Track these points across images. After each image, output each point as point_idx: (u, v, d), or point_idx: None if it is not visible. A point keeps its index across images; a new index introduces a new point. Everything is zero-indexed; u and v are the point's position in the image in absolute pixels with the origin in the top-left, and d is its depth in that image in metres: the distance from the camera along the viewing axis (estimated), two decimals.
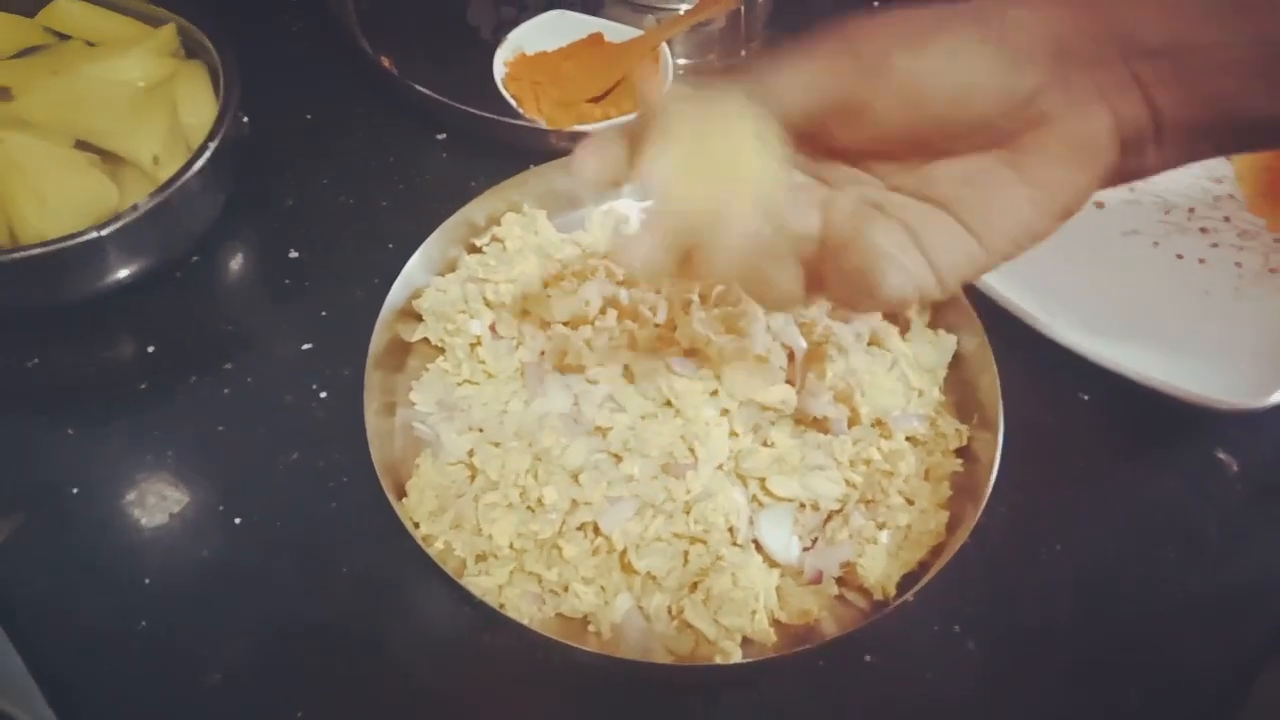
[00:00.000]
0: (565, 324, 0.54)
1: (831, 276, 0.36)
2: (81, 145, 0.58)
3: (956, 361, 0.55)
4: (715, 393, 0.50)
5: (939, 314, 0.57)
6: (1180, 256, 0.64)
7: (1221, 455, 0.57)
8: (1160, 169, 0.36)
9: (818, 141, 0.37)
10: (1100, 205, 0.66)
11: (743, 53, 0.79)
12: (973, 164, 0.35)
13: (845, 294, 0.37)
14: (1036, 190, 0.35)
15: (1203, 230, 0.66)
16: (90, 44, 0.63)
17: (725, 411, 0.50)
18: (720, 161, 0.32)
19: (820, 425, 0.51)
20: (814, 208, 0.37)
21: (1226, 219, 0.66)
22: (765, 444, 0.50)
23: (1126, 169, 0.36)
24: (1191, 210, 0.67)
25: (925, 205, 0.36)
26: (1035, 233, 0.36)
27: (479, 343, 0.54)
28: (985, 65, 0.33)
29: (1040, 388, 0.56)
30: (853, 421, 0.51)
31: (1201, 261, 0.64)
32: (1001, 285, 0.58)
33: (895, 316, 0.57)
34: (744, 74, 0.35)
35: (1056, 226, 0.36)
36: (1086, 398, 0.58)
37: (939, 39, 0.34)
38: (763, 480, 0.49)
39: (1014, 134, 0.35)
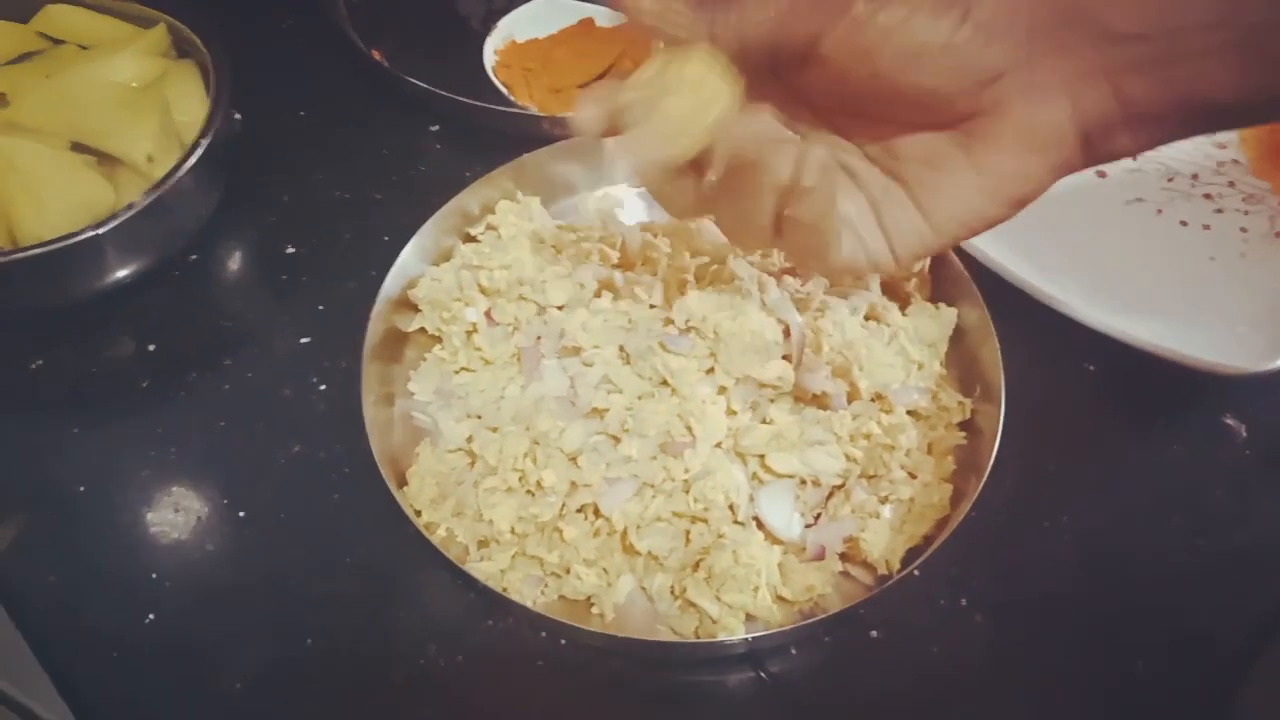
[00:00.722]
0: (560, 308, 0.54)
1: (790, 230, 0.37)
2: (77, 147, 0.58)
3: (958, 334, 0.55)
4: (711, 370, 0.50)
5: (939, 286, 0.57)
6: (1184, 223, 0.63)
7: (1229, 421, 0.56)
8: (1133, 152, 0.36)
9: (791, 93, 0.37)
10: (1103, 174, 0.66)
11: None
12: (930, 143, 0.36)
13: (798, 249, 0.38)
14: (985, 177, 0.35)
15: (1207, 196, 0.65)
16: (83, 47, 0.63)
17: (723, 389, 0.50)
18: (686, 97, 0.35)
19: (819, 401, 0.50)
20: (789, 157, 0.37)
21: (1231, 184, 0.66)
22: (764, 421, 0.49)
23: (1094, 155, 0.35)
24: (1195, 176, 0.66)
25: (888, 179, 0.37)
26: (985, 218, 0.36)
27: (475, 330, 0.54)
28: (943, 33, 0.33)
29: (1043, 358, 0.55)
30: (852, 396, 0.51)
31: (1206, 228, 0.63)
32: (1003, 256, 0.58)
33: (895, 290, 0.57)
34: (710, 5, 0.35)
35: (1009, 214, 0.36)
36: (1091, 367, 0.57)
37: (901, 1, 0.33)
38: (762, 457, 0.48)
39: (968, 115, 0.35)
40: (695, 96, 0.35)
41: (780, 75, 0.37)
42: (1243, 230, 0.63)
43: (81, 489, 0.53)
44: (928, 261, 0.56)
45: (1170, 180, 0.66)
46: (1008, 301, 0.55)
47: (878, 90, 0.35)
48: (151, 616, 0.49)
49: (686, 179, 0.38)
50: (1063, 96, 0.34)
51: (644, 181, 0.40)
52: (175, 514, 0.52)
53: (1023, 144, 0.34)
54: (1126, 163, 0.67)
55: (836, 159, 0.38)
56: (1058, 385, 0.57)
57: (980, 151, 0.35)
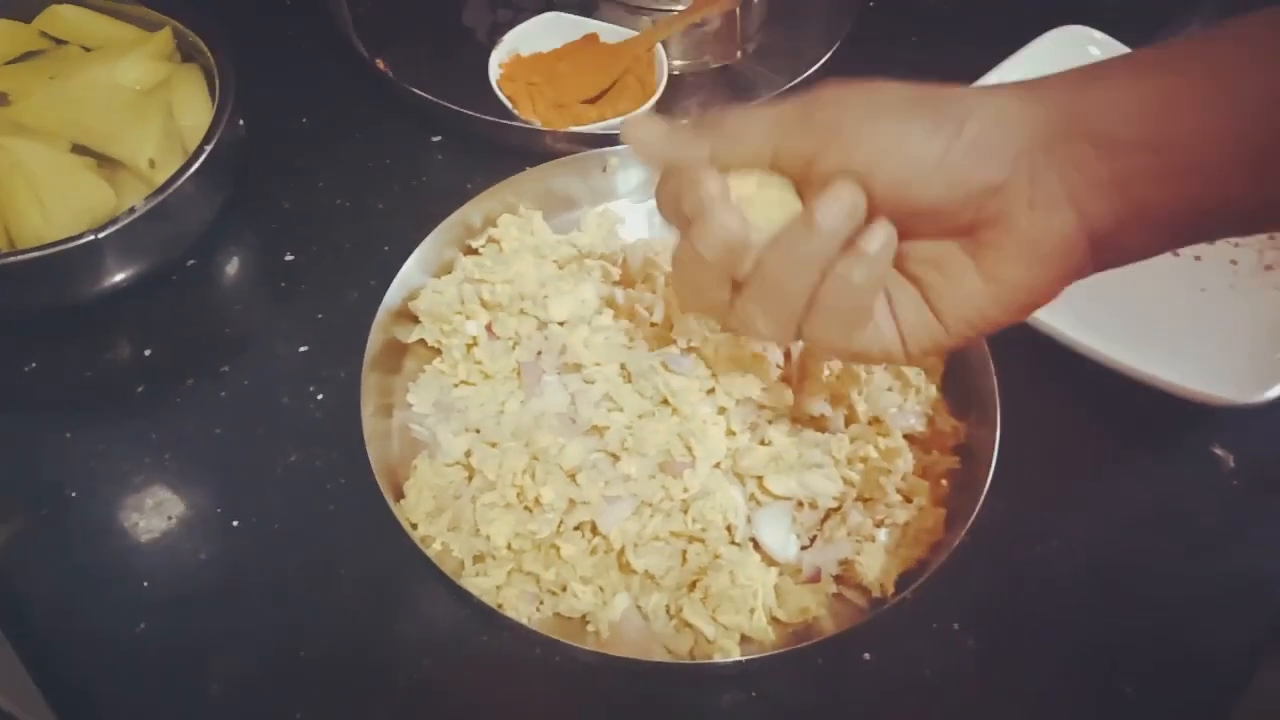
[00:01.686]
0: (561, 324, 0.54)
1: (832, 300, 0.37)
2: (78, 149, 0.58)
3: (953, 359, 0.55)
4: (712, 391, 0.50)
5: None
6: (1176, 253, 0.64)
7: (1218, 450, 0.57)
8: (1146, 255, 0.35)
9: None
10: None
11: (738, 54, 0.79)
12: (940, 249, 0.36)
13: (830, 324, 0.37)
14: (995, 285, 0.35)
15: None
16: (86, 49, 0.63)
17: (722, 410, 0.50)
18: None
19: (817, 423, 0.51)
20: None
21: None
22: (762, 442, 0.50)
23: (1104, 260, 0.35)
24: None
25: (900, 277, 0.38)
26: (994, 324, 0.37)
27: (475, 343, 0.54)
28: (933, 155, 0.33)
29: (1037, 384, 0.56)
30: (850, 419, 0.51)
31: (1197, 258, 0.64)
32: None
33: None
34: (709, 123, 0.37)
35: (1020, 319, 0.37)
36: (1083, 394, 0.58)
37: (891, 119, 0.34)
38: (760, 479, 0.49)
39: (972, 226, 0.35)
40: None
41: None
42: (1233, 262, 0.64)
43: (73, 494, 0.53)
44: None
45: None
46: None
47: (880, 207, 0.35)
48: (143, 625, 0.48)
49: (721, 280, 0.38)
50: (1068, 207, 0.33)
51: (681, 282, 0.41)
52: (169, 521, 0.52)
53: (1029, 255, 0.34)
54: None
55: None
56: (1050, 411, 0.57)
57: (988, 261, 0.35)
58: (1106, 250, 0.34)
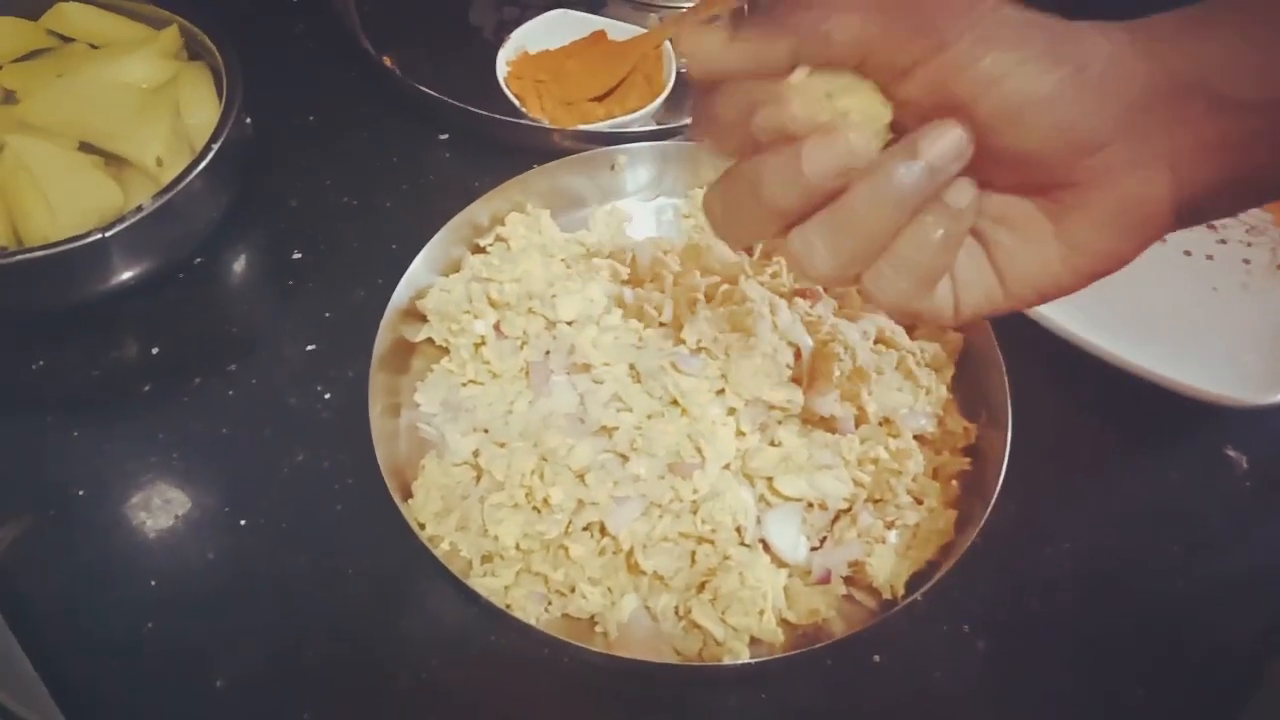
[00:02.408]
0: (570, 323, 0.54)
1: (888, 262, 0.33)
2: (85, 147, 0.58)
3: (964, 359, 0.55)
4: (722, 391, 0.50)
5: None
6: (1188, 253, 0.64)
7: (1230, 452, 0.57)
8: (1217, 217, 0.33)
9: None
10: None
11: None
12: (1015, 205, 0.33)
13: (890, 285, 0.33)
14: (1070, 250, 0.32)
15: (1210, 226, 0.65)
16: (94, 47, 0.63)
17: (732, 410, 0.50)
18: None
19: (827, 424, 0.50)
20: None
21: (1235, 215, 0.66)
22: (772, 443, 0.49)
23: (1187, 220, 0.32)
24: None
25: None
26: (1061, 289, 0.33)
27: (483, 342, 0.54)
28: (1046, 92, 0.29)
29: (1048, 384, 0.56)
30: (860, 420, 0.51)
31: (1209, 258, 0.64)
32: None
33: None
34: (784, 18, 0.31)
35: (1085, 286, 0.33)
36: (1094, 394, 0.57)
37: (1006, 41, 0.29)
38: (770, 480, 0.48)
39: (1065, 183, 0.31)
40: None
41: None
42: (1245, 261, 0.64)
43: (81, 493, 0.53)
44: None
45: None
46: (1013, 326, 0.56)
47: (975, 140, 0.31)
48: (150, 625, 0.48)
49: None
50: (1168, 172, 0.31)
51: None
52: (176, 520, 0.52)
53: (1118, 222, 0.31)
54: None
55: None
56: (1061, 412, 0.57)
57: (1071, 223, 0.32)
58: (1190, 213, 0.32)
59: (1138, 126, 0.30)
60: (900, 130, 0.31)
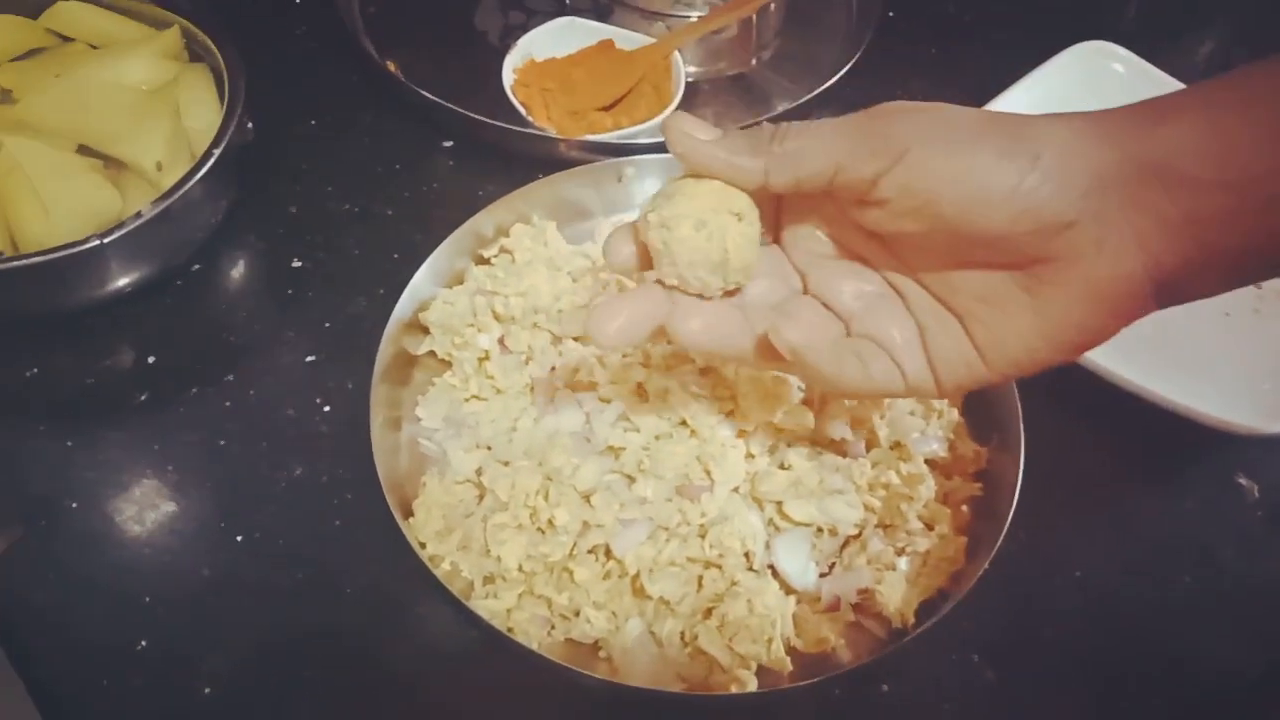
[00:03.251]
0: (576, 339, 0.53)
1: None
2: (84, 150, 0.57)
3: None
4: (732, 413, 0.49)
5: None
6: None
7: (1242, 480, 0.56)
8: (1211, 294, 0.34)
9: (847, 221, 0.37)
10: None
11: (754, 61, 0.78)
12: (992, 280, 0.34)
13: (855, 376, 0.37)
14: (1048, 324, 0.33)
15: None
16: (93, 46, 0.62)
17: (742, 433, 0.49)
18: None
19: (838, 448, 0.50)
20: (844, 278, 0.38)
21: None
22: (782, 466, 0.49)
23: (1165, 301, 0.34)
24: None
25: (942, 309, 0.36)
26: (1041, 363, 0.35)
27: (487, 357, 0.53)
28: (1006, 185, 0.31)
29: (1059, 409, 0.55)
30: (871, 444, 0.50)
31: None
32: None
33: None
34: (763, 133, 0.35)
35: (1070, 359, 0.35)
36: (1106, 420, 0.57)
37: (963, 143, 0.32)
38: (779, 504, 0.48)
39: (1033, 261, 0.33)
40: (740, 231, 0.35)
41: (838, 206, 0.36)
42: (1257, 286, 0.63)
43: (73, 505, 0.51)
44: None
45: None
46: None
47: (940, 231, 0.33)
48: (144, 643, 0.47)
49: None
50: (1139, 249, 0.32)
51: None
52: (170, 535, 0.51)
53: (1093, 296, 0.32)
54: None
55: (887, 279, 0.37)
56: (1072, 437, 0.56)
57: (1046, 298, 0.33)
58: (1170, 291, 0.33)
59: (1098, 208, 0.31)
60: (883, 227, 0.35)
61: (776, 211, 0.39)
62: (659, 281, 0.37)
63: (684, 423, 0.49)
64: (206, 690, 0.46)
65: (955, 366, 0.36)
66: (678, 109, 0.67)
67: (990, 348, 0.35)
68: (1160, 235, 0.31)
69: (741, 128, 0.36)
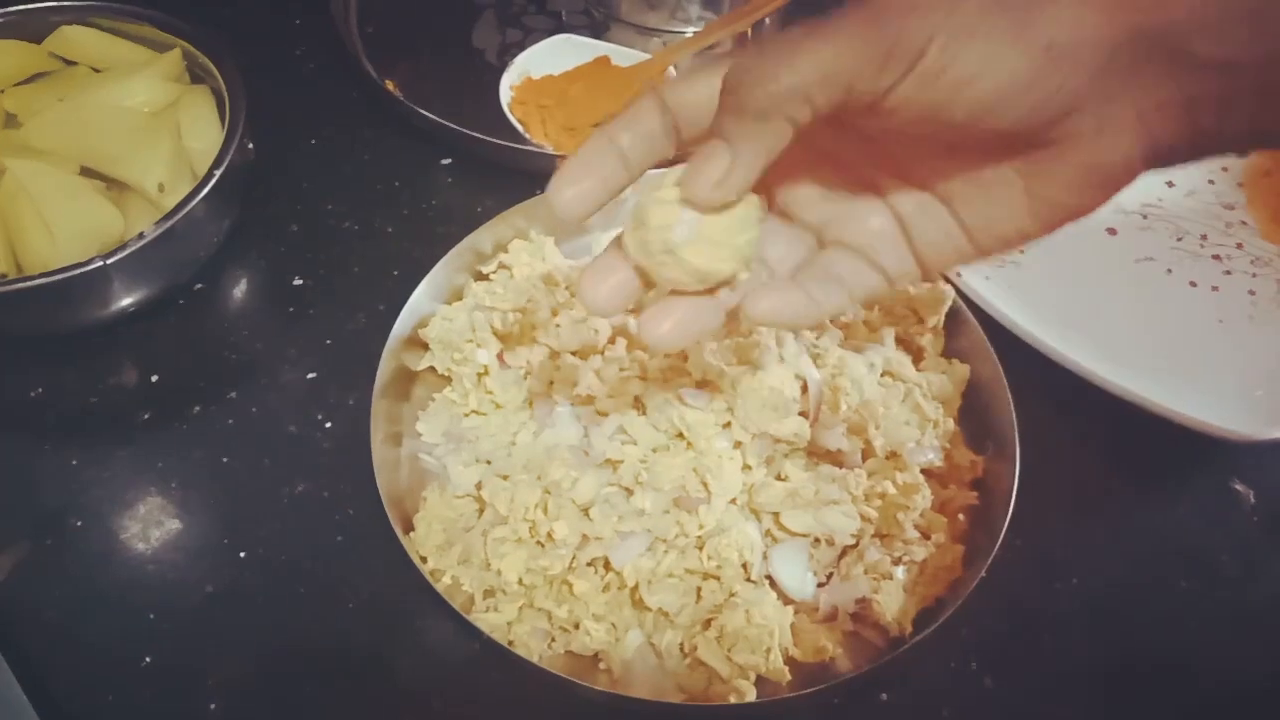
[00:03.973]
0: (574, 353, 0.53)
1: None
2: (87, 172, 0.58)
3: (970, 391, 0.55)
4: (728, 425, 0.49)
5: (953, 343, 0.57)
6: (1193, 284, 0.64)
7: (1237, 486, 0.56)
8: (1184, 163, 0.34)
9: (844, 138, 0.35)
10: (1113, 232, 0.66)
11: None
12: (988, 167, 0.34)
13: (836, 303, 0.36)
14: (1039, 204, 0.33)
15: (1215, 257, 0.65)
16: (96, 70, 0.63)
17: (738, 444, 0.49)
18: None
19: (834, 458, 0.50)
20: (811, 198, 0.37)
21: (1239, 246, 0.66)
22: (779, 477, 0.49)
23: (1155, 168, 0.33)
24: (1204, 237, 0.66)
25: (926, 196, 0.35)
26: (1027, 238, 0.35)
27: (486, 372, 0.54)
28: (1022, 77, 0.30)
29: (1055, 417, 0.55)
30: (867, 454, 0.51)
31: (1215, 289, 0.63)
32: (1015, 313, 0.58)
33: (908, 345, 0.56)
34: (756, 56, 0.31)
35: (1050, 233, 0.34)
36: (1101, 427, 0.57)
37: (978, 37, 0.30)
38: (776, 515, 0.48)
39: (1033, 148, 0.32)
40: (732, 215, 0.33)
41: (837, 124, 0.33)
42: (1251, 293, 0.64)
43: (78, 522, 0.52)
44: (942, 316, 0.56)
45: (1179, 240, 0.66)
46: (1019, 358, 0.55)
47: (945, 135, 0.32)
48: (148, 659, 0.48)
49: None
50: (1133, 131, 0.31)
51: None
52: (174, 551, 0.51)
53: (1086, 179, 0.32)
54: (1137, 220, 0.67)
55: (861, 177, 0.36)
56: (1068, 445, 0.56)
57: (1040, 181, 0.33)
58: (1158, 163, 0.33)
59: (1103, 92, 0.31)
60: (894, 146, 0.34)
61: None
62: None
63: (680, 435, 0.49)
64: (210, 703, 0.46)
65: (942, 249, 0.35)
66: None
67: (979, 229, 0.35)
68: (1159, 117, 0.31)
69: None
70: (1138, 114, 0.31)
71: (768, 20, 0.78)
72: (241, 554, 0.51)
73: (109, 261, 0.52)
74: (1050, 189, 0.33)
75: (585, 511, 0.48)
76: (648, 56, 0.72)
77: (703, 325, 0.36)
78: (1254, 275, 0.64)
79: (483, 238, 0.58)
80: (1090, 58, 0.30)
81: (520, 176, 0.66)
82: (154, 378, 0.57)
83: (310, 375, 0.58)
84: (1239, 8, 0.30)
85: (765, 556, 0.48)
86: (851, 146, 0.36)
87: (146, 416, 0.56)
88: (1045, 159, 0.32)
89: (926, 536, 0.49)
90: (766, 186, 0.37)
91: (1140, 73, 0.31)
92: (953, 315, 0.56)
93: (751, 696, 0.45)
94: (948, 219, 0.35)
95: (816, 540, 0.48)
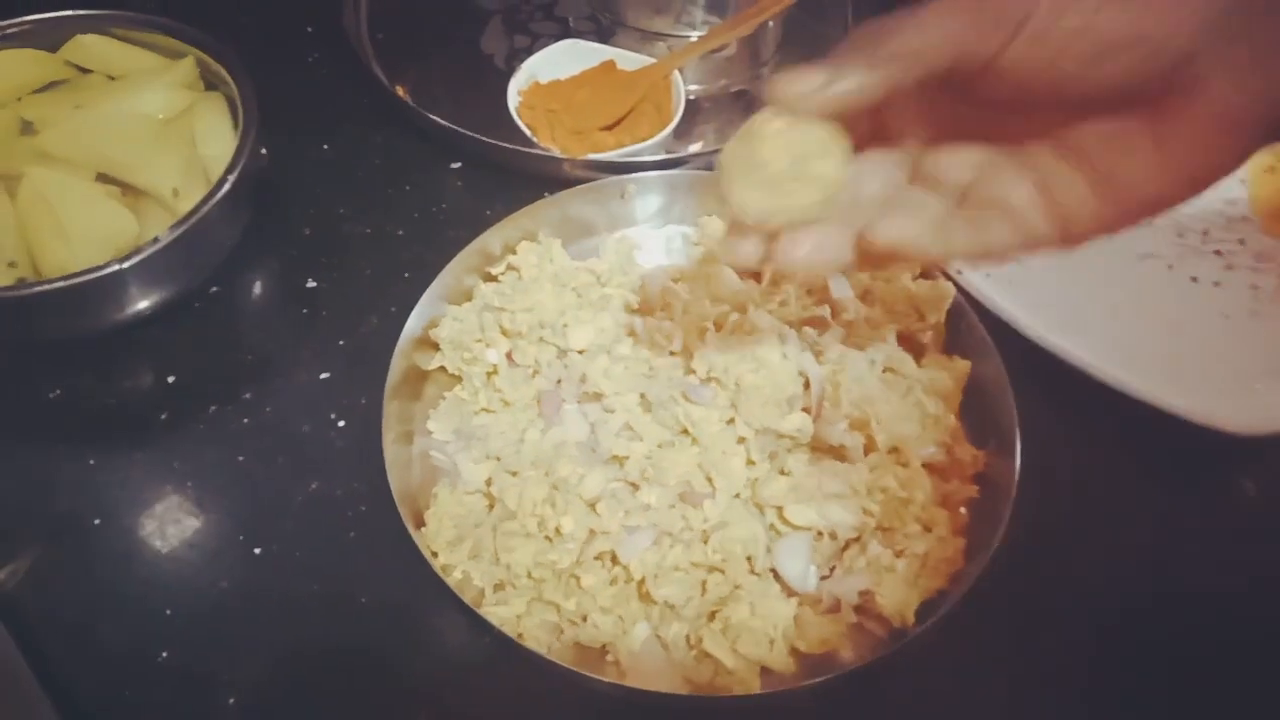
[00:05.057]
0: (581, 352, 0.54)
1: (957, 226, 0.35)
2: (102, 178, 0.59)
3: (972, 386, 0.55)
4: (732, 421, 0.50)
5: (954, 338, 0.57)
6: (1195, 280, 0.64)
7: (1239, 480, 0.57)
8: None
9: (958, 104, 0.36)
10: None
11: (755, 79, 0.79)
12: (1110, 125, 0.33)
13: (968, 244, 0.36)
14: (1173, 159, 0.32)
15: (1217, 253, 0.66)
16: (111, 78, 0.64)
17: (742, 439, 0.50)
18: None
19: (837, 453, 0.51)
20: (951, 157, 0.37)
21: (1241, 241, 0.66)
22: (782, 472, 0.50)
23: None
24: (1206, 233, 0.67)
25: (1060, 162, 0.34)
26: (1167, 200, 0.33)
27: (496, 371, 0.55)
28: (1130, 27, 0.30)
29: (1057, 412, 0.56)
30: (869, 449, 0.51)
31: (1217, 285, 0.64)
32: (1017, 309, 0.58)
33: (910, 342, 0.57)
34: (864, 43, 0.33)
35: (1193, 195, 0.33)
36: (1103, 422, 0.57)
37: None
38: (780, 509, 0.49)
39: (1156, 98, 0.32)
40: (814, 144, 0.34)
41: (950, 90, 0.35)
42: (1254, 288, 0.64)
43: (96, 521, 0.53)
44: (944, 313, 0.57)
45: (1181, 236, 0.67)
46: (1021, 353, 0.56)
47: (1062, 91, 0.32)
48: (165, 654, 0.49)
49: None
50: (1260, 76, 0.30)
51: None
52: (190, 549, 0.52)
53: (1216, 125, 0.31)
54: None
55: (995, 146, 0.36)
56: (1070, 439, 0.57)
57: (1169, 133, 0.32)
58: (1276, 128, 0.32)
59: (1217, 34, 0.30)
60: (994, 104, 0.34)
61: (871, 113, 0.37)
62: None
63: (685, 431, 0.50)
64: (226, 698, 0.47)
65: (1081, 217, 0.34)
66: (670, 131, 0.69)
67: (1118, 191, 0.33)
68: (1276, 63, 0.30)
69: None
70: (1255, 58, 0.30)
71: (771, 24, 0.79)
72: (256, 551, 0.52)
73: (125, 266, 0.53)
74: (1181, 141, 0.32)
75: (592, 506, 0.49)
76: (653, 61, 0.73)
77: (834, 254, 0.37)
78: (1256, 270, 0.65)
79: (491, 240, 0.59)
80: (1204, 4, 0.30)
81: (528, 179, 0.67)
82: (170, 379, 0.59)
83: (323, 375, 0.59)
84: None
85: (769, 550, 0.49)
86: (982, 114, 0.36)
87: (163, 417, 0.57)
88: (1170, 109, 0.31)
89: (928, 530, 0.50)
90: (901, 143, 0.38)
91: (1251, 18, 0.30)
92: (954, 312, 0.57)
93: (756, 687, 0.45)
94: (1084, 186, 0.34)
95: (819, 534, 0.49)
